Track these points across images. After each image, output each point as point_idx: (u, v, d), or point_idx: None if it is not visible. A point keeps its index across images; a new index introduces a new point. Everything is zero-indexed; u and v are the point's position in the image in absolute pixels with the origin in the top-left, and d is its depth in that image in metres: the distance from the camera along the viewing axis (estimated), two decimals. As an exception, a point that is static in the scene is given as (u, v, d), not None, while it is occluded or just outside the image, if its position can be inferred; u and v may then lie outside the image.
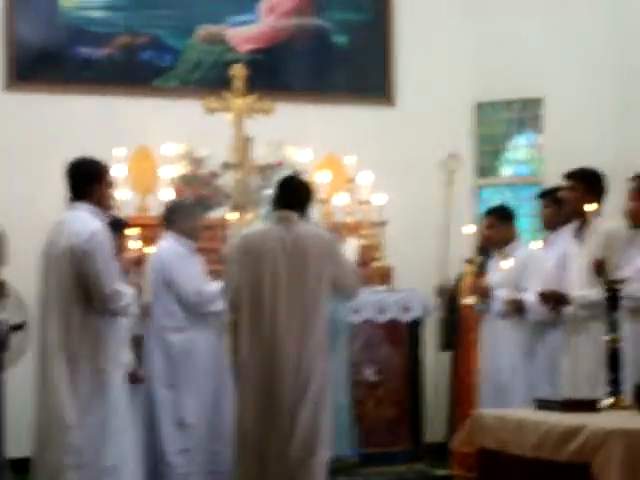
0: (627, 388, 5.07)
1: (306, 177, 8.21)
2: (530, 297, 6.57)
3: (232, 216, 7.92)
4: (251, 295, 5.52)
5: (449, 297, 7.95)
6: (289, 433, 5.38)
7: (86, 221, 5.60)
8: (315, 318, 5.50)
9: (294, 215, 5.67)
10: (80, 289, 5.53)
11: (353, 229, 8.54)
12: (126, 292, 5.66)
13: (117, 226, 6.30)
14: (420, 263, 8.36)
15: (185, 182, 8.41)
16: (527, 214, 9.46)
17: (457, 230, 7.93)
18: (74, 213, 5.67)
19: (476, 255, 7.43)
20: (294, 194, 5.75)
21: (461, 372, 7.59)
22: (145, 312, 6.49)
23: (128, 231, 6.27)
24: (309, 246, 5.57)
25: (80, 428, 5.46)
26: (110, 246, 5.63)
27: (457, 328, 7.68)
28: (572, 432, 4.26)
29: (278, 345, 5.43)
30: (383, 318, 7.86)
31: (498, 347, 7.02)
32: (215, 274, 6.97)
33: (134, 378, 6.35)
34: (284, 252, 5.53)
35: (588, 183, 6.23)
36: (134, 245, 6.16)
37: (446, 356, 8.14)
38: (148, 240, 6.84)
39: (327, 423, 5.48)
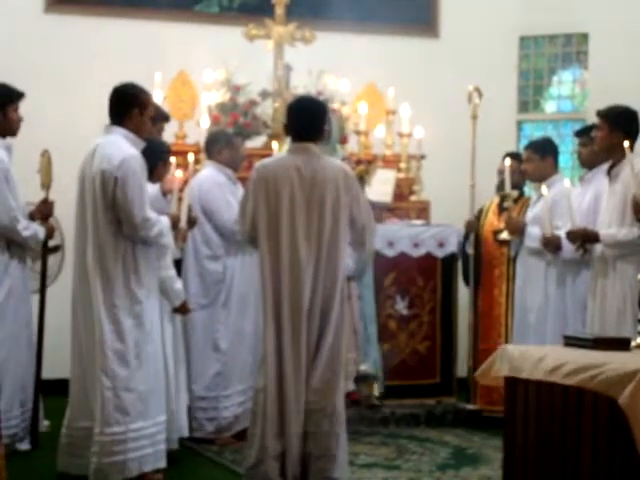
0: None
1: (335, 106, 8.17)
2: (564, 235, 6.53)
3: (273, 145, 7.90)
4: (269, 226, 5.42)
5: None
6: (309, 364, 5.34)
7: (119, 147, 5.54)
8: (335, 248, 5.40)
9: (311, 146, 5.50)
10: (111, 213, 5.50)
11: (391, 162, 8.49)
12: (157, 221, 5.59)
13: (162, 152, 6.30)
14: (457, 198, 8.28)
15: (223, 110, 8.37)
16: (569, 151, 9.36)
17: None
18: (109, 138, 5.61)
19: (502, 190, 7.30)
20: (307, 122, 5.53)
21: (484, 307, 7.56)
22: (180, 238, 6.44)
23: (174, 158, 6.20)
24: (327, 176, 5.42)
25: (115, 351, 5.47)
26: (143, 173, 5.57)
27: (480, 263, 7.62)
28: (596, 367, 4.23)
29: (297, 276, 5.35)
30: (418, 252, 7.81)
31: (530, 283, 6.98)
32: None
33: (184, 309, 6.34)
34: (301, 181, 5.40)
35: (613, 122, 6.13)
36: (177, 173, 6.08)
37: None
38: (185, 167, 6.82)
39: (345, 354, 5.43)
